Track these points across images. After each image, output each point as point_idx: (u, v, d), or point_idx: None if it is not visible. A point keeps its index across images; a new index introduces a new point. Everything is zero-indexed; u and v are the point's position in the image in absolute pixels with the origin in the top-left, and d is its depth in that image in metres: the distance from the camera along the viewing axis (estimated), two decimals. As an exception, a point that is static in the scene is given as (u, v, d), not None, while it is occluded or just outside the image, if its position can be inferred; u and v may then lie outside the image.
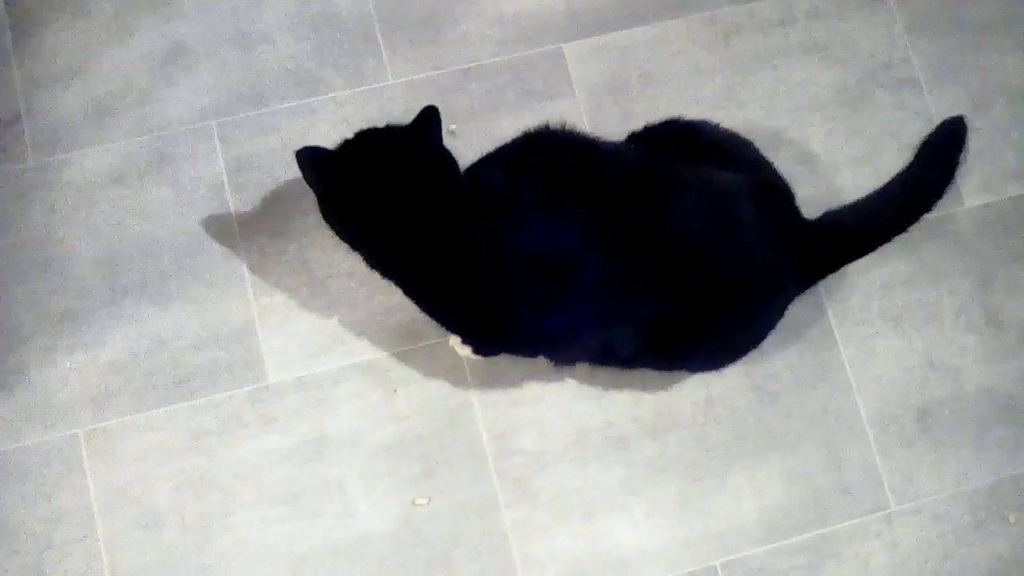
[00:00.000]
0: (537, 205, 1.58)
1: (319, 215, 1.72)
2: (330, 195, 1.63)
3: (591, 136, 1.70)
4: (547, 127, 1.68)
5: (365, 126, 1.69)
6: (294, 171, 1.83)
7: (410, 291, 1.69)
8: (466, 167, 1.67)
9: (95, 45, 1.90)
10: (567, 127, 1.69)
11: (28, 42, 1.89)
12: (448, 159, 1.63)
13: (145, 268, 1.82)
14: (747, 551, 1.80)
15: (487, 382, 1.82)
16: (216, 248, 1.84)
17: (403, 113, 1.70)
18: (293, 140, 1.87)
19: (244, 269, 1.83)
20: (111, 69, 1.89)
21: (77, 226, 1.83)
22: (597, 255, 1.57)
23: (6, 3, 1.90)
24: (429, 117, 1.62)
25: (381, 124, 1.66)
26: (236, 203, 1.86)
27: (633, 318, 1.62)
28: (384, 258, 1.65)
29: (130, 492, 1.75)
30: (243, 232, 1.85)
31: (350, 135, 1.64)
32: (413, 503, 1.77)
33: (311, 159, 1.60)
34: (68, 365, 1.78)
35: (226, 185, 1.86)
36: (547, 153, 1.65)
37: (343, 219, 1.65)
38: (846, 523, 1.82)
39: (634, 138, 1.79)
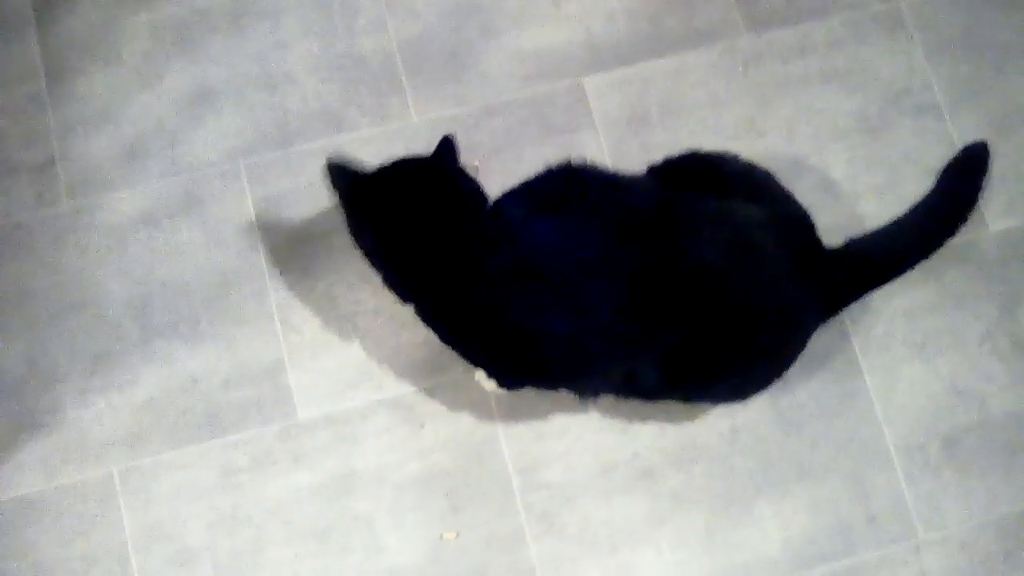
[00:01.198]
0: (558, 238, 1.60)
1: (346, 253, 1.75)
2: (356, 213, 1.68)
3: (612, 170, 1.72)
4: (569, 162, 1.71)
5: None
6: (321, 209, 1.88)
7: (429, 319, 1.71)
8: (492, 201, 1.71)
9: (126, 90, 1.95)
10: (588, 162, 1.71)
11: (62, 88, 1.94)
12: (469, 186, 1.67)
13: (176, 308, 1.86)
14: (774, 581, 1.81)
15: (513, 415, 1.84)
16: (245, 287, 1.87)
17: (427, 150, 1.73)
18: (319, 179, 1.90)
19: (273, 307, 1.87)
20: (141, 113, 1.94)
21: (110, 267, 1.87)
22: (618, 288, 1.59)
23: (41, 52, 1.95)
24: (447, 146, 1.70)
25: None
26: (265, 242, 1.89)
27: (655, 350, 1.63)
28: (403, 282, 1.69)
29: (164, 529, 1.78)
30: (272, 271, 1.88)
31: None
32: (441, 537, 1.80)
33: (342, 173, 1.69)
34: (102, 405, 1.82)
35: (254, 225, 1.90)
36: (568, 187, 1.68)
37: (365, 239, 1.70)
38: (873, 553, 1.82)
39: (654, 171, 1.81)
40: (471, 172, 1.81)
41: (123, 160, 1.92)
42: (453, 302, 1.64)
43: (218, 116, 1.94)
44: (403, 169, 1.69)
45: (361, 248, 1.72)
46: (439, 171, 1.68)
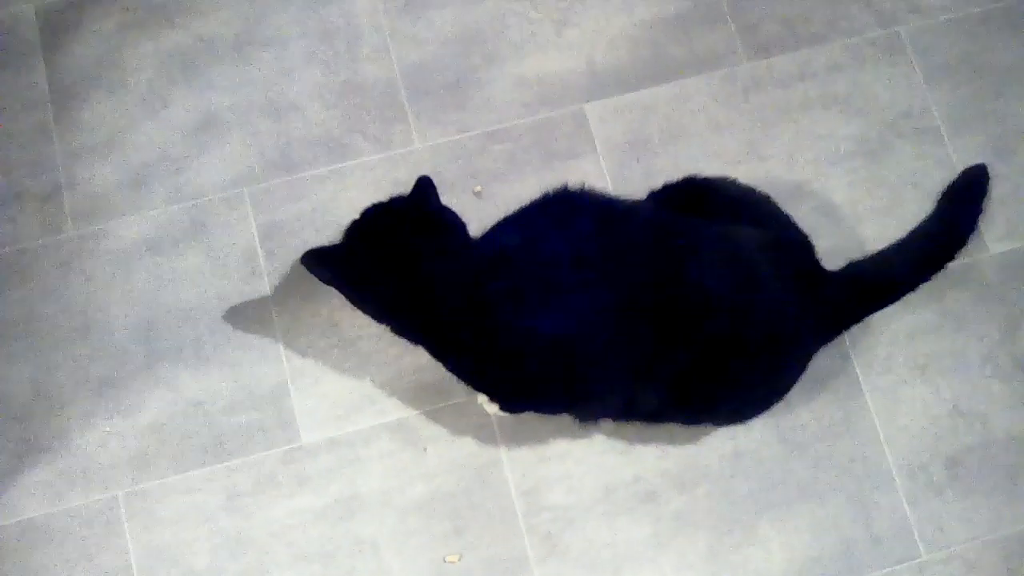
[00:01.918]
0: (554, 264, 1.61)
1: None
2: (347, 283, 1.70)
3: (609, 195, 1.74)
4: (565, 187, 1.72)
5: (393, 190, 1.76)
6: (325, 236, 1.90)
7: (436, 353, 1.73)
8: (487, 228, 1.72)
9: (131, 117, 1.97)
10: (586, 187, 1.72)
11: (68, 116, 1.96)
12: (451, 220, 1.68)
13: (181, 333, 1.87)
14: (778, 603, 1.81)
15: (515, 439, 1.85)
16: (249, 312, 1.89)
17: (430, 176, 1.74)
18: (324, 205, 1.92)
19: (277, 332, 1.88)
20: (146, 140, 1.96)
21: (115, 293, 1.89)
22: (616, 313, 1.60)
23: (48, 80, 1.97)
24: (424, 186, 1.70)
25: (403, 190, 1.72)
26: (268, 268, 1.91)
27: (654, 375, 1.64)
28: (408, 325, 1.70)
29: (169, 553, 1.79)
30: (275, 296, 1.89)
31: (374, 201, 1.72)
32: (444, 560, 1.80)
33: (318, 260, 1.69)
34: (107, 429, 1.83)
35: (258, 251, 1.91)
36: (565, 212, 1.68)
37: (364, 300, 1.72)
38: (877, 573, 1.82)
39: (654, 197, 1.82)
40: (474, 196, 1.84)
41: (128, 187, 1.94)
42: (455, 335, 1.66)
43: (222, 143, 1.96)
44: (378, 220, 1.70)
45: (365, 313, 1.75)
46: (413, 212, 1.69)
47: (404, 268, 1.63)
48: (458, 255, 1.65)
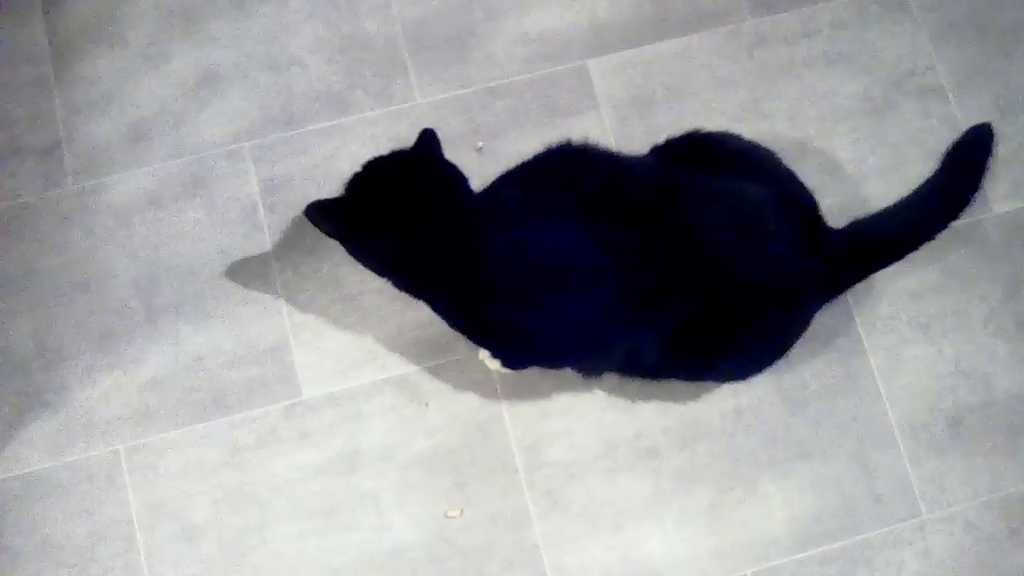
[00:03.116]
0: (557, 218, 1.60)
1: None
2: (350, 236, 1.69)
3: (612, 150, 1.73)
4: (568, 142, 1.71)
5: (394, 145, 1.75)
6: (326, 191, 1.89)
7: (437, 307, 1.72)
8: (489, 183, 1.71)
9: (131, 72, 1.96)
10: (588, 142, 1.71)
11: (68, 71, 1.95)
12: (453, 174, 1.67)
13: (182, 288, 1.87)
14: (778, 560, 1.81)
15: (517, 394, 1.85)
16: (250, 267, 1.88)
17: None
18: (325, 160, 1.91)
19: (278, 287, 1.87)
20: (147, 95, 1.95)
21: (115, 248, 1.88)
22: (619, 266, 1.59)
23: (47, 34, 1.96)
24: (428, 139, 1.69)
25: (404, 145, 1.71)
26: (269, 223, 1.90)
27: (657, 328, 1.63)
28: (409, 280, 1.69)
29: (170, 507, 1.79)
30: (276, 251, 1.89)
31: (375, 154, 1.70)
32: (445, 515, 1.80)
33: (321, 211, 1.67)
34: (108, 383, 1.83)
35: (259, 206, 1.90)
36: (568, 167, 1.67)
37: (367, 253, 1.71)
38: (878, 531, 1.83)
39: (657, 151, 1.81)
40: (476, 153, 1.82)
41: (129, 142, 1.93)
42: (456, 289, 1.65)
43: (223, 98, 1.95)
44: (380, 170, 1.69)
45: (367, 267, 1.73)
46: (416, 164, 1.67)
47: (407, 221, 1.62)
48: (460, 209, 1.64)
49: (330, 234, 1.70)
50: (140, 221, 1.89)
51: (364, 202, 1.66)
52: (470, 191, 1.69)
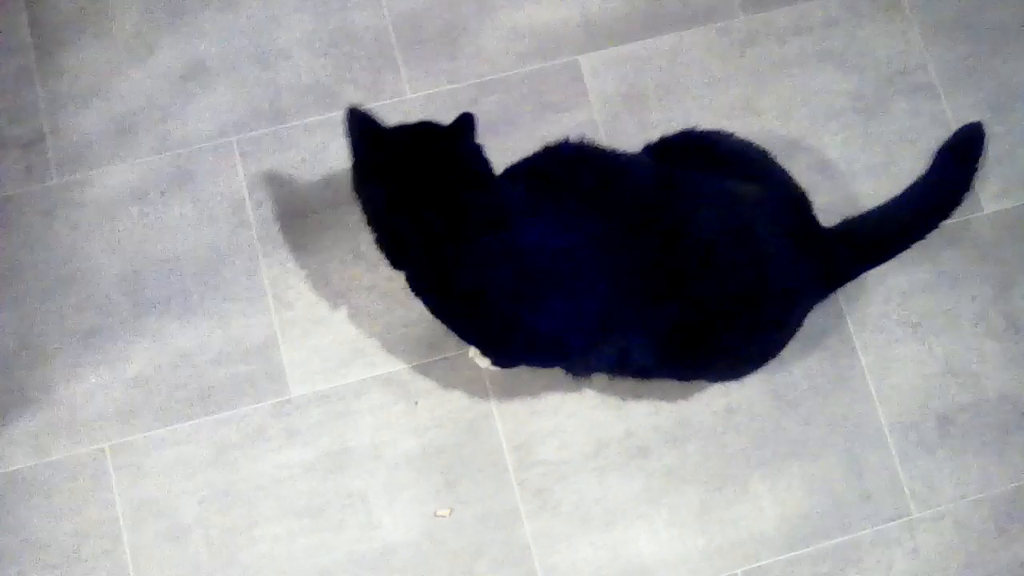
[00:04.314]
0: (554, 217, 1.59)
1: (340, 230, 1.73)
2: (365, 167, 1.63)
3: (609, 149, 1.71)
4: (566, 141, 1.69)
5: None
6: (314, 185, 1.87)
7: (416, 288, 1.68)
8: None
9: (116, 64, 1.93)
10: (586, 140, 1.70)
11: (51, 63, 1.92)
12: (478, 163, 1.63)
13: (168, 283, 1.85)
14: (768, 559, 1.81)
15: (507, 393, 1.83)
16: (238, 263, 1.86)
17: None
18: (313, 154, 1.89)
19: (266, 283, 1.85)
20: (132, 88, 1.92)
21: (100, 243, 1.86)
22: (613, 266, 1.58)
23: (30, 25, 1.93)
24: (465, 122, 1.63)
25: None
26: (257, 218, 1.88)
27: (649, 328, 1.63)
28: (396, 244, 1.65)
29: (156, 506, 1.77)
30: (264, 247, 1.87)
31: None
32: (435, 514, 1.79)
33: (360, 123, 1.61)
34: (93, 380, 1.81)
35: (247, 201, 1.88)
36: (566, 166, 1.66)
37: (367, 197, 1.64)
38: (867, 530, 1.82)
39: (650, 150, 1.80)
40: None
41: (114, 135, 1.90)
42: (440, 274, 1.62)
43: (210, 91, 1.92)
44: (419, 132, 1.65)
45: (360, 199, 1.65)
46: (452, 142, 1.64)
47: (414, 189, 1.57)
48: (466, 199, 1.60)
49: (351, 143, 1.63)
50: (125, 216, 1.87)
51: (394, 148, 1.62)
52: (492, 183, 1.65)
